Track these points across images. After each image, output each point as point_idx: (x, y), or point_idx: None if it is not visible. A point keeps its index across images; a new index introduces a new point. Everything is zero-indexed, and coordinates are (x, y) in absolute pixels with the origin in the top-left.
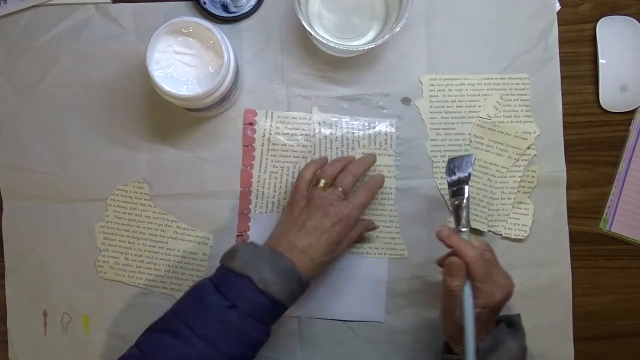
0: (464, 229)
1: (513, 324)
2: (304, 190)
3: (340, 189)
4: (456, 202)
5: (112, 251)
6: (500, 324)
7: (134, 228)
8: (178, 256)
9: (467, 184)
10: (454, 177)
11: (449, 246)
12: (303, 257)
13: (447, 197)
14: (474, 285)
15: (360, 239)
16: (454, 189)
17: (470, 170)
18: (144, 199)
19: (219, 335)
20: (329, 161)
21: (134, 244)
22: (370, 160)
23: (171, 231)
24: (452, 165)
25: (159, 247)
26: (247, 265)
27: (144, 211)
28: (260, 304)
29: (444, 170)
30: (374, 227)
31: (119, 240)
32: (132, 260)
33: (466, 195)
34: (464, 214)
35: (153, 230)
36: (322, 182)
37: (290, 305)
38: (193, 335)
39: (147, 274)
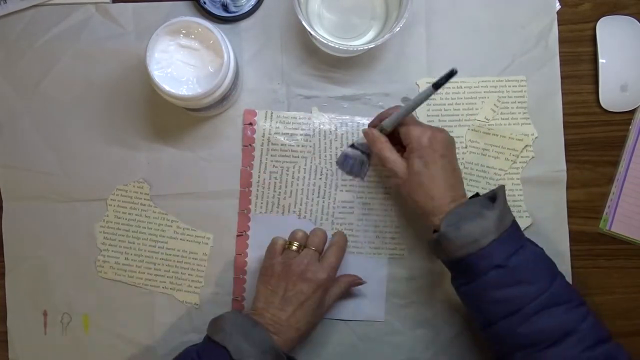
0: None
1: (495, 198)
2: (279, 255)
3: (313, 248)
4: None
5: (112, 251)
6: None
7: (134, 228)
8: (178, 256)
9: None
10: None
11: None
12: (288, 330)
13: None
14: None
15: (345, 294)
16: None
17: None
18: (144, 199)
19: None
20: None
21: (134, 244)
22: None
23: (171, 231)
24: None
25: (159, 247)
26: (227, 336)
27: (144, 211)
28: None
29: None
30: (359, 283)
31: (119, 240)
32: (132, 260)
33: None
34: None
35: (153, 230)
36: (295, 244)
37: None
38: None
39: (147, 273)
